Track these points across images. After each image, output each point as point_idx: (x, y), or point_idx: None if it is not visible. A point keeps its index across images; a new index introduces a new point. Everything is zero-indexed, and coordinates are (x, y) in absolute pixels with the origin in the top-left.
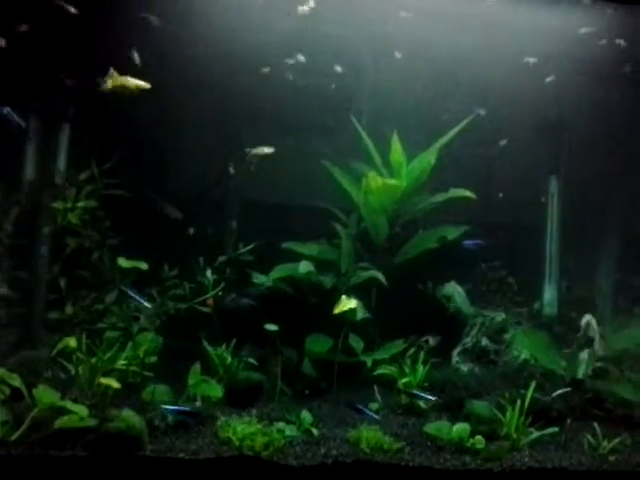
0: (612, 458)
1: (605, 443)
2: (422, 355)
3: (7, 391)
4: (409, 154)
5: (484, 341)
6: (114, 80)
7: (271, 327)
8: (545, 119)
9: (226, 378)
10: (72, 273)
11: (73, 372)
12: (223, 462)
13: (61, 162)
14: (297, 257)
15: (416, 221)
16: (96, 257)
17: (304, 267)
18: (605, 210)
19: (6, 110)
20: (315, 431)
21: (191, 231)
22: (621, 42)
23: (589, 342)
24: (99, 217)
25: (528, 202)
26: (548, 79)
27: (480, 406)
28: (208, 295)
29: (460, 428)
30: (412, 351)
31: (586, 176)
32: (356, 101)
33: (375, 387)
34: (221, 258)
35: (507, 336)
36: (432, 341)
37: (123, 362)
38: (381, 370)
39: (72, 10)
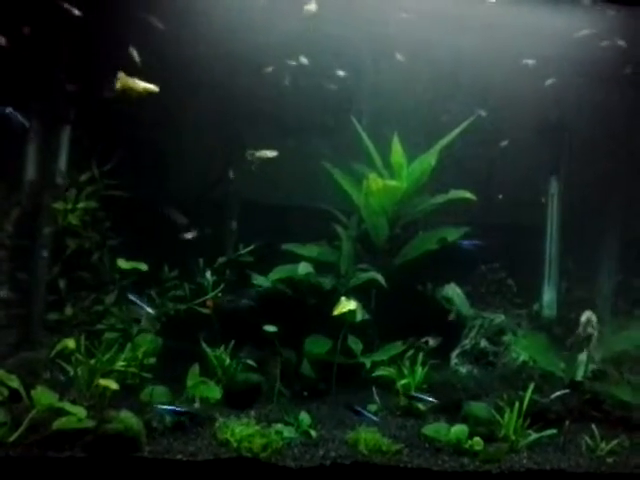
0: (610, 460)
1: (603, 445)
2: (421, 357)
3: (5, 392)
4: (409, 155)
5: (483, 343)
6: (122, 82)
7: (270, 328)
8: (545, 120)
9: (225, 379)
10: (72, 274)
11: (72, 373)
12: (221, 463)
13: (62, 163)
14: (297, 258)
15: (416, 222)
16: (96, 258)
17: (303, 268)
18: (605, 211)
19: (9, 110)
20: (313, 432)
21: (190, 235)
22: (622, 44)
23: (588, 339)
24: (99, 218)
25: (528, 203)
26: (549, 81)
27: (478, 408)
28: (208, 296)
29: (458, 430)
30: (411, 353)
31: (586, 177)
32: (356, 102)
33: (374, 389)
34: (221, 259)
35: (506, 338)
36: (433, 342)
37: (122, 363)
38: (380, 372)
39: (76, 12)
